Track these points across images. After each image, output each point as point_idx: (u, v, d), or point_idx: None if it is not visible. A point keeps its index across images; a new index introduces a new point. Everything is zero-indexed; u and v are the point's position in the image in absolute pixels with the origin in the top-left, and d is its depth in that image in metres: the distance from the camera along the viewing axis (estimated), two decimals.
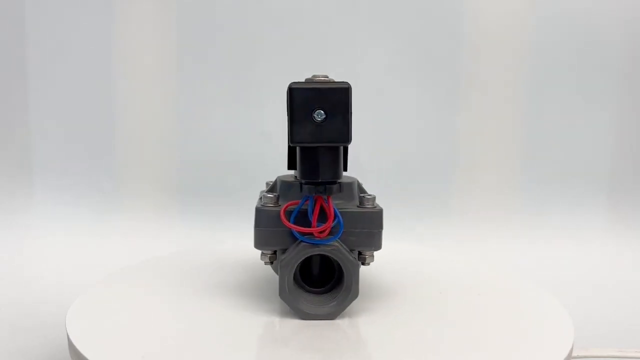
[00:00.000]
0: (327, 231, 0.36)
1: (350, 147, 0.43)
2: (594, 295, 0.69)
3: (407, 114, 0.84)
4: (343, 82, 0.34)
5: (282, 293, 0.37)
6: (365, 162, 0.83)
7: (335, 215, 0.36)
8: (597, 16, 0.80)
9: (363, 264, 0.39)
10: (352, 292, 0.37)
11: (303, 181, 0.36)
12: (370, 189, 0.43)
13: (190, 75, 0.86)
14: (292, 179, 0.41)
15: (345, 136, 0.34)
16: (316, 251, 0.37)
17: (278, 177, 0.43)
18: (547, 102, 0.83)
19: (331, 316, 0.38)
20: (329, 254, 0.37)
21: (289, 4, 0.83)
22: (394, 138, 0.85)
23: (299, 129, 0.34)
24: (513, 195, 0.85)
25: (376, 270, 0.48)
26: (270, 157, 0.82)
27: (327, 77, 0.39)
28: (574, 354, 0.43)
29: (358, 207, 0.38)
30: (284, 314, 0.39)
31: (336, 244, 0.37)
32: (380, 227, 0.38)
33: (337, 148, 0.35)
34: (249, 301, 0.41)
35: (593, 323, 0.58)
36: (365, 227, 0.37)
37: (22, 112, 0.87)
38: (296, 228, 0.36)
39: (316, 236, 0.36)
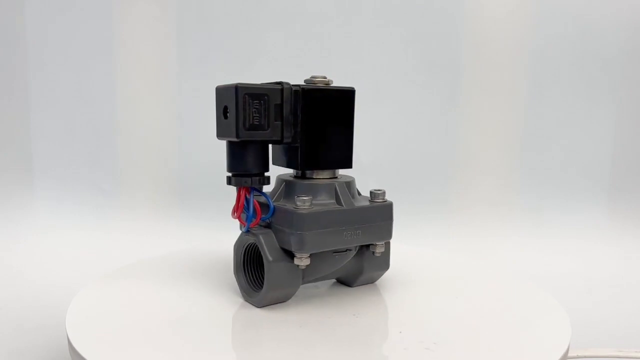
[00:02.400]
0: (257, 221, 0.38)
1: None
2: (594, 295, 0.69)
3: (408, 114, 0.84)
4: (235, 83, 0.36)
5: (234, 272, 0.41)
6: (365, 162, 0.83)
7: (249, 208, 0.38)
8: (597, 17, 0.80)
9: (299, 266, 0.38)
10: (264, 287, 0.38)
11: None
12: (370, 188, 0.43)
13: (190, 76, 0.86)
14: (290, 177, 0.41)
15: (234, 131, 0.36)
16: (245, 240, 0.39)
17: (278, 175, 0.43)
18: (547, 102, 0.83)
19: (256, 304, 0.39)
20: (255, 243, 0.38)
21: (290, 4, 0.83)
22: (394, 138, 0.85)
23: (218, 125, 0.38)
24: (513, 194, 0.85)
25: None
26: None
27: (325, 77, 0.39)
28: (575, 353, 0.43)
29: (294, 207, 0.37)
30: (284, 312, 0.39)
31: (261, 236, 0.38)
32: (302, 229, 0.36)
33: (243, 143, 0.36)
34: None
35: (592, 322, 0.58)
36: (287, 227, 0.37)
37: (23, 112, 0.87)
38: (233, 214, 0.39)
39: (243, 225, 0.39)
